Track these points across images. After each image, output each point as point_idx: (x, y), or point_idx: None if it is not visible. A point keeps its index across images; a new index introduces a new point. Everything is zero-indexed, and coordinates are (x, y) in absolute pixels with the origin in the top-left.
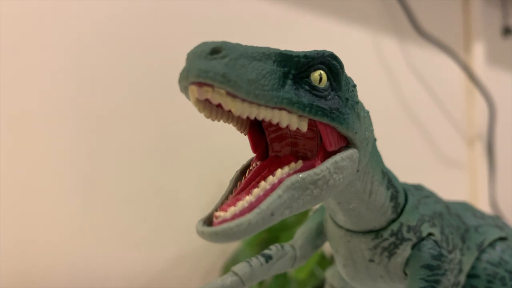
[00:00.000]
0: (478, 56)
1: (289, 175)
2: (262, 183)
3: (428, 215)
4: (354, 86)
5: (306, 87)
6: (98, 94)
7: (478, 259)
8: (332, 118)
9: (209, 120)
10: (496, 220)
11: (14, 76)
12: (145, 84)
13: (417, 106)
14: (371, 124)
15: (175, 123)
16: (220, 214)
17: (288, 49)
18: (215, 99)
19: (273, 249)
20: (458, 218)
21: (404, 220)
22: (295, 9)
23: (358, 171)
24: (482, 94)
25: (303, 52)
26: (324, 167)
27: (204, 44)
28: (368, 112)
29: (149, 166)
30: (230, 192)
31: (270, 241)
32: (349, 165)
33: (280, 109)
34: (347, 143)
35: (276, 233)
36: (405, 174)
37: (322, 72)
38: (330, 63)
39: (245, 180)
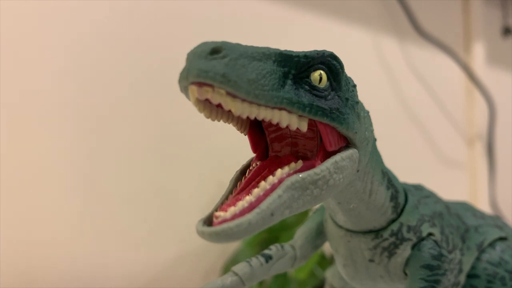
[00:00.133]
0: (478, 56)
1: (289, 175)
2: (262, 183)
3: (428, 215)
4: (354, 86)
5: (306, 87)
6: (98, 94)
7: (478, 259)
8: (332, 118)
9: (209, 120)
10: (496, 220)
11: (14, 76)
12: (145, 84)
13: (417, 106)
14: (371, 124)
15: (175, 123)
16: (220, 214)
17: (288, 49)
18: (215, 99)
19: (273, 249)
20: (458, 218)
21: (404, 220)
22: (295, 9)
23: (358, 171)
24: (482, 94)
25: (303, 52)
26: (324, 167)
27: (204, 44)
28: (368, 112)
29: (149, 166)
30: (230, 192)
31: (270, 241)
32: (349, 165)
33: (280, 109)
34: (347, 143)
35: (276, 233)
36: (405, 174)
37: (322, 72)
38: (330, 63)
39: (245, 180)
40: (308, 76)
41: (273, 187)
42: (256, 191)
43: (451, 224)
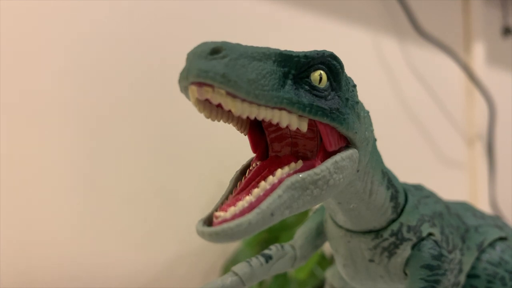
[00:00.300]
0: (478, 56)
1: (289, 175)
2: (262, 183)
3: (428, 215)
4: (354, 86)
5: (306, 87)
6: (98, 94)
7: (478, 259)
8: (332, 118)
9: (209, 120)
10: (496, 220)
11: (14, 76)
12: (145, 84)
13: (417, 106)
14: (371, 124)
15: (175, 123)
16: (220, 214)
17: (288, 49)
18: (215, 99)
19: (273, 249)
20: (458, 218)
21: (404, 220)
22: (295, 9)
23: (358, 171)
24: (482, 94)
25: (303, 52)
26: (324, 167)
27: (204, 44)
28: (368, 112)
29: (149, 166)
30: (230, 192)
31: (270, 241)
32: (349, 165)
33: (280, 109)
34: (347, 143)
35: (276, 233)
36: (405, 174)
37: (322, 72)
38: (330, 63)
39: (245, 180)
40: (308, 76)
41: (273, 187)
42: (256, 191)
43: (451, 224)
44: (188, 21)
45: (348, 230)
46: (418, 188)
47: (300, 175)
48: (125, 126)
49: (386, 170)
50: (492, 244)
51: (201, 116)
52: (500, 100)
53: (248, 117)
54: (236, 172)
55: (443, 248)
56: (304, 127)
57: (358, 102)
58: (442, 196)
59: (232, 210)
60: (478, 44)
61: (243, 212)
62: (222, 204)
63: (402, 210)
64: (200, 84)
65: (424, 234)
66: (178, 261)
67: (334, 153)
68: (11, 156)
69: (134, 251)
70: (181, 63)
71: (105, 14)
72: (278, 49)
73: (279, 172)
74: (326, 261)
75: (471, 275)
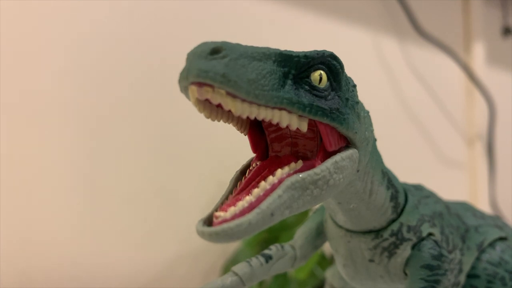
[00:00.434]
0: (478, 56)
1: (289, 175)
2: (262, 183)
3: (428, 215)
4: (354, 86)
5: (306, 87)
6: (98, 94)
7: (478, 259)
8: (332, 118)
9: (209, 120)
10: (496, 220)
11: (14, 76)
12: (145, 84)
13: (417, 106)
14: (371, 124)
15: (175, 123)
16: (220, 214)
17: (288, 49)
18: (215, 99)
19: (273, 249)
20: (458, 218)
21: (404, 220)
22: (295, 9)
23: (358, 171)
24: (482, 94)
25: (303, 52)
26: (324, 167)
27: (204, 44)
28: (368, 112)
29: (149, 166)
30: (230, 192)
31: (270, 241)
32: (349, 165)
33: (280, 109)
34: (347, 143)
35: (276, 233)
36: (405, 174)
37: (322, 72)
38: (330, 63)
39: (245, 180)
40: (308, 76)
41: (273, 187)
42: (256, 191)
43: (451, 224)
44: (188, 21)
45: (348, 230)
46: (418, 188)
47: (300, 175)
48: (125, 126)
49: (386, 170)
50: (492, 244)
51: (201, 116)
52: (500, 100)
53: (248, 117)
54: (236, 172)
55: (443, 248)
56: (304, 127)
57: (358, 102)
58: (442, 196)
59: (232, 210)
60: (478, 44)
61: (243, 212)
62: (222, 204)
63: (402, 210)
64: (200, 84)
65: (424, 234)
66: (178, 261)
67: (334, 153)
68: (11, 156)
69: (134, 251)
70: (181, 63)
71: (105, 14)
72: (278, 49)
73: (279, 172)
74: (326, 261)
75: (471, 275)
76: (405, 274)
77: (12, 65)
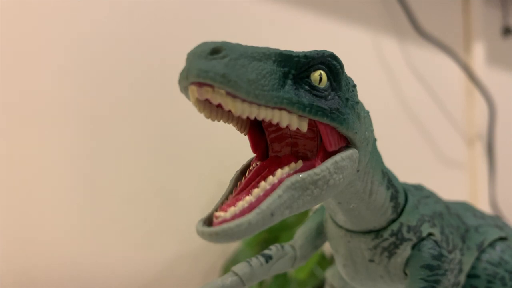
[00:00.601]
0: (478, 56)
1: (289, 175)
2: (262, 183)
3: (428, 215)
4: (354, 86)
5: (306, 87)
6: (98, 94)
7: (478, 259)
8: (332, 118)
9: (209, 120)
10: (496, 220)
11: (14, 76)
12: (145, 84)
13: (417, 106)
14: (371, 124)
15: (175, 123)
16: (220, 214)
17: (288, 49)
18: (215, 99)
19: (273, 249)
20: (458, 218)
21: (404, 220)
22: (295, 9)
23: (358, 171)
24: (482, 94)
25: (303, 52)
26: (324, 167)
27: (204, 44)
28: (368, 112)
29: (149, 166)
30: (230, 192)
31: (270, 241)
32: (349, 165)
33: (280, 109)
34: (347, 143)
35: (276, 233)
36: (405, 174)
37: (322, 72)
38: (330, 63)
39: (245, 180)
40: (308, 76)
41: (273, 187)
42: (256, 191)
43: (451, 224)
44: (188, 21)
45: (348, 230)
46: (418, 188)
47: (300, 175)
48: (125, 126)
49: (386, 170)
50: (492, 244)
51: (201, 116)
52: (500, 100)
53: (248, 117)
54: (236, 172)
55: (443, 248)
56: (304, 127)
57: (358, 102)
58: (442, 196)
59: (232, 210)
60: (478, 44)
61: (243, 212)
62: (222, 204)
63: (402, 210)
64: (200, 84)
65: (424, 234)
66: (178, 261)
67: (334, 153)
68: (11, 156)
69: (134, 251)
70: (181, 63)
71: (105, 14)
72: (278, 49)
73: (279, 172)
74: (326, 261)
75: (471, 275)
76: (405, 274)
77: (12, 65)
